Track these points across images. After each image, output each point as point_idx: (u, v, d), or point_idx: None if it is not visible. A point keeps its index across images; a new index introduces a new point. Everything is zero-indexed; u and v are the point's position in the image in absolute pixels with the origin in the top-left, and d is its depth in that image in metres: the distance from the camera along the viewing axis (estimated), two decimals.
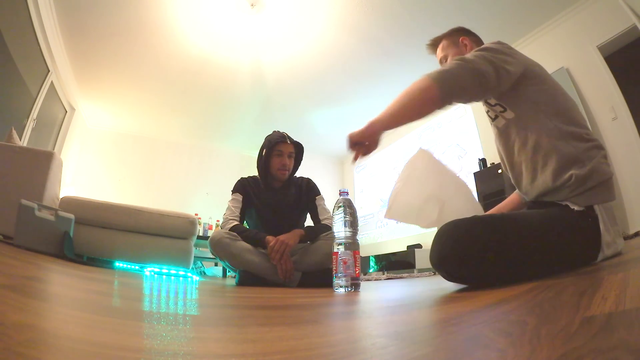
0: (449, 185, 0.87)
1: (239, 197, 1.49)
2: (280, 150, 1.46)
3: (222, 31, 2.92)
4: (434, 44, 1.09)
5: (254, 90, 3.84)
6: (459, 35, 1.04)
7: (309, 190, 1.57)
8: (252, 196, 1.50)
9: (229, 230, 1.36)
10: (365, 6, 2.66)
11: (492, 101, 0.90)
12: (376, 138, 0.82)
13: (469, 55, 0.82)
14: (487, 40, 1.06)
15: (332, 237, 1.04)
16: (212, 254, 1.34)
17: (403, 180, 1.12)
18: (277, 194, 1.51)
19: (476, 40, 1.04)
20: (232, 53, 3.22)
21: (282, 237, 1.27)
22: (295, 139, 1.54)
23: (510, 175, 0.96)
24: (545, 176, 0.81)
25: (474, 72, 0.78)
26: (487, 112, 0.96)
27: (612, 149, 2.27)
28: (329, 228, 1.38)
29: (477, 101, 0.88)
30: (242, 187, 1.51)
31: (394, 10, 2.70)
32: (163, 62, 3.35)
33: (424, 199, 1.06)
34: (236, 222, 1.40)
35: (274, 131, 1.54)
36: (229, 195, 1.51)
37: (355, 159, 0.85)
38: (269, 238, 1.29)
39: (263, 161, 1.47)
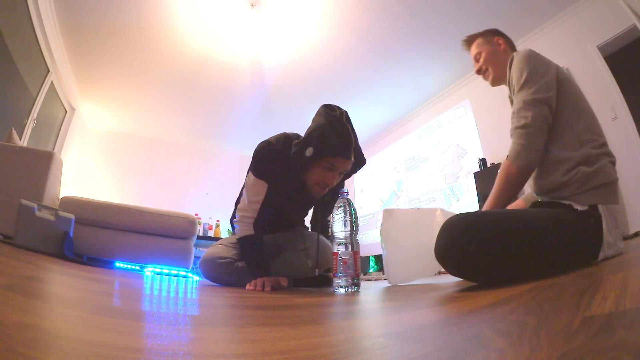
0: (422, 220, 0.85)
1: (264, 186, 1.10)
2: (333, 165, 1.01)
3: (221, 31, 2.92)
4: (469, 41, 1.14)
5: (253, 89, 3.84)
6: (494, 35, 1.10)
7: (339, 185, 1.20)
8: (275, 184, 1.11)
9: (239, 238, 1.13)
10: (365, 6, 2.65)
11: None
12: None
13: (523, 112, 0.85)
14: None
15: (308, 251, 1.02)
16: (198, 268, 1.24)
17: (387, 248, 1.13)
18: (304, 192, 1.11)
19: (509, 41, 1.10)
20: (232, 53, 3.22)
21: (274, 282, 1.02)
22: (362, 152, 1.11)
23: None
24: (556, 175, 0.84)
25: (540, 130, 0.83)
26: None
27: (612, 149, 2.25)
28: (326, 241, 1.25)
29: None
30: (270, 173, 1.09)
31: (393, 10, 2.69)
32: (163, 62, 3.35)
33: (413, 251, 1.06)
34: (251, 232, 1.11)
35: (336, 122, 0.98)
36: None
37: None
38: (266, 279, 1.01)
39: (302, 162, 1.02)
